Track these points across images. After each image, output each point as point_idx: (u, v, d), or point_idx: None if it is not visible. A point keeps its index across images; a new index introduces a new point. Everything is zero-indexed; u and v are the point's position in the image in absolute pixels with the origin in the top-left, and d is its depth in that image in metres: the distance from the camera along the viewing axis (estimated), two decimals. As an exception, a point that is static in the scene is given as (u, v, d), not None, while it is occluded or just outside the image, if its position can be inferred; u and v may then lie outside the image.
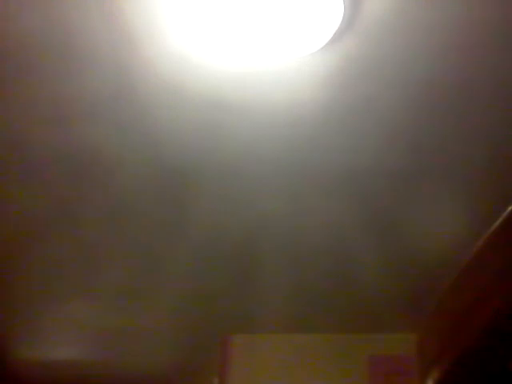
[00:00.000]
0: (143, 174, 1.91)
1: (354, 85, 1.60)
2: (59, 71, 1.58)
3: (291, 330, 2.75)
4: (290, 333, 2.76)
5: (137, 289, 2.48)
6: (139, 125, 1.74)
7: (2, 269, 2.38)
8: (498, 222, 0.98)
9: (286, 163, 1.86)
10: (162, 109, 1.69)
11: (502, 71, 1.56)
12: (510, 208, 0.94)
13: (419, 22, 1.44)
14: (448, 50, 1.50)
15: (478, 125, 1.71)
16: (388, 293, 2.43)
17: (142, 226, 2.13)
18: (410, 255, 2.22)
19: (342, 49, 1.50)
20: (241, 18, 1.40)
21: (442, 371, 1.13)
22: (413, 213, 2.03)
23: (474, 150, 1.79)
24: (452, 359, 1.10)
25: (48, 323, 2.76)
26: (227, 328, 2.76)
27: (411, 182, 1.91)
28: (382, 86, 1.60)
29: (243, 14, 1.39)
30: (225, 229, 2.13)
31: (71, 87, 1.63)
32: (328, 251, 2.22)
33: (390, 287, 2.40)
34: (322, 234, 2.14)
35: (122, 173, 1.90)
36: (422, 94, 1.63)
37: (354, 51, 1.51)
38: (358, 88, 1.61)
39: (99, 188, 1.96)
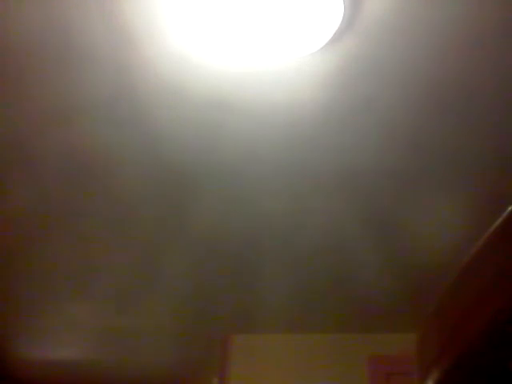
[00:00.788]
0: (143, 174, 1.91)
1: (354, 85, 1.60)
2: (59, 71, 1.58)
3: (291, 330, 2.75)
4: (289, 333, 2.77)
5: (137, 289, 2.48)
6: (139, 125, 1.74)
7: (2, 269, 2.38)
8: (497, 222, 0.98)
9: (286, 163, 1.86)
10: (162, 109, 1.69)
11: (502, 71, 1.56)
12: (509, 208, 0.94)
13: (419, 22, 1.44)
14: (448, 49, 1.50)
15: (477, 125, 1.71)
16: (388, 293, 2.43)
17: (142, 226, 2.13)
18: (410, 255, 2.22)
19: (342, 49, 1.50)
20: (241, 19, 1.40)
21: (442, 371, 1.13)
22: (413, 213, 2.03)
23: (473, 150, 1.79)
24: (452, 359, 1.10)
25: (48, 323, 2.76)
26: (227, 328, 2.76)
27: (411, 182, 1.91)
28: (381, 85, 1.60)
29: (243, 15, 1.39)
30: (225, 229, 2.13)
31: (71, 87, 1.63)
32: (328, 251, 2.22)
33: (390, 287, 2.40)
34: (322, 233, 2.14)
35: (122, 172, 1.90)
36: (422, 94, 1.63)
37: (354, 51, 1.51)
38: (358, 88, 1.61)
39: (99, 188, 1.96)
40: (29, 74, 1.59)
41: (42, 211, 2.06)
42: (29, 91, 1.64)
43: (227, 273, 2.36)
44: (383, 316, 2.59)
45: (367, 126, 1.73)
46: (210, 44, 1.50)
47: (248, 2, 1.36)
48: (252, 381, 2.70)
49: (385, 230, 2.12)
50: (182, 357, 3.04)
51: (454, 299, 1.13)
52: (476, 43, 1.49)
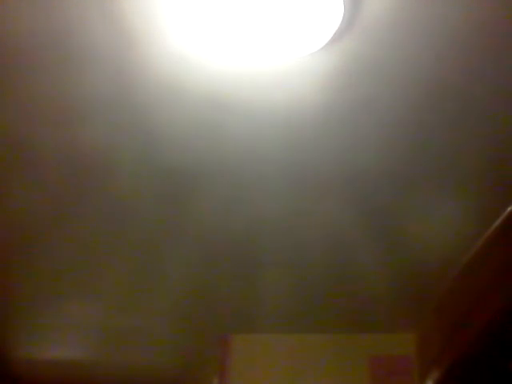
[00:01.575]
0: (143, 174, 1.91)
1: (354, 85, 1.60)
2: (59, 71, 1.58)
3: (291, 330, 2.75)
4: (289, 333, 2.76)
5: (136, 289, 2.48)
6: (139, 125, 1.74)
7: (2, 269, 2.38)
8: (497, 222, 0.98)
9: (286, 163, 1.86)
10: (161, 109, 1.69)
11: (503, 71, 1.56)
12: (509, 208, 0.94)
13: (419, 22, 1.44)
14: (448, 50, 1.50)
15: (478, 125, 1.71)
16: (388, 293, 2.43)
17: (141, 226, 2.13)
18: (410, 255, 2.22)
19: (342, 49, 1.50)
20: (240, 18, 1.40)
21: (442, 371, 1.13)
22: (413, 213, 2.03)
23: (474, 150, 1.79)
24: (452, 359, 1.10)
25: (48, 323, 2.76)
26: (227, 328, 2.76)
27: (411, 182, 1.91)
28: (382, 86, 1.60)
29: (243, 14, 1.39)
30: (225, 229, 2.13)
31: (71, 87, 1.63)
32: (328, 251, 2.22)
33: (390, 287, 2.40)
34: (322, 234, 2.14)
35: (121, 172, 1.90)
36: (422, 94, 1.63)
37: (354, 51, 1.51)
38: (358, 88, 1.61)
39: (99, 188, 1.96)
40: (28, 73, 1.59)
41: (41, 211, 2.06)
42: (28, 91, 1.64)
43: (227, 273, 2.36)
44: (383, 316, 2.59)
45: (367, 126, 1.73)
46: (210, 44, 1.50)
47: (248, 2, 1.36)
48: (252, 381, 2.70)
49: (385, 231, 2.12)
50: (181, 357, 3.03)
51: (454, 299, 1.14)
52: (477, 43, 1.49)
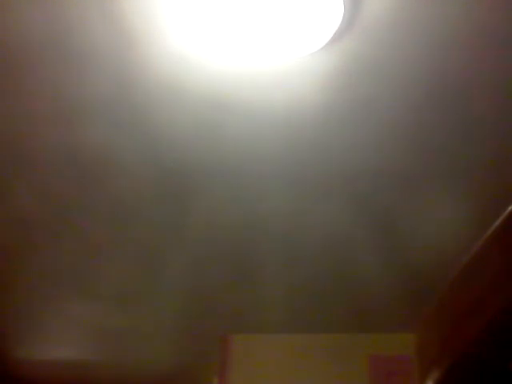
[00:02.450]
0: (143, 174, 1.91)
1: (354, 85, 1.60)
2: (59, 71, 1.58)
3: (291, 330, 2.75)
4: (289, 333, 2.77)
5: (137, 289, 2.48)
6: (139, 125, 1.74)
7: (2, 269, 2.38)
8: (498, 222, 0.98)
9: (286, 163, 1.86)
10: (161, 108, 1.69)
11: (503, 71, 1.56)
12: (510, 208, 0.94)
13: (419, 22, 1.44)
14: (448, 50, 1.50)
15: (478, 124, 1.71)
16: (388, 293, 2.43)
17: (141, 226, 2.13)
18: (410, 255, 2.22)
19: (342, 49, 1.50)
20: (240, 18, 1.40)
21: (442, 371, 1.13)
22: (413, 213, 2.03)
23: (474, 150, 1.79)
24: (452, 359, 1.10)
25: (48, 323, 2.76)
26: (227, 328, 2.76)
27: (411, 182, 1.91)
28: (382, 85, 1.60)
29: (243, 14, 1.39)
30: (225, 229, 2.13)
31: (71, 87, 1.63)
32: (328, 251, 2.22)
33: (390, 287, 2.40)
34: (322, 233, 2.14)
35: (121, 172, 1.90)
36: (422, 94, 1.63)
37: (354, 51, 1.51)
38: (358, 88, 1.61)
39: (99, 188, 1.96)
40: (28, 73, 1.59)
41: (41, 211, 2.06)
42: (28, 91, 1.64)
43: (227, 273, 2.36)
44: (383, 316, 2.59)
45: (367, 125, 1.73)
46: (210, 44, 1.50)
47: (248, 2, 1.37)
48: (252, 381, 2.70)
49: (385, 230, 2.12)
50: (181, 357, 3.03)
51: (455, 299, 1.14)
52: (477, 43, 1.49)
